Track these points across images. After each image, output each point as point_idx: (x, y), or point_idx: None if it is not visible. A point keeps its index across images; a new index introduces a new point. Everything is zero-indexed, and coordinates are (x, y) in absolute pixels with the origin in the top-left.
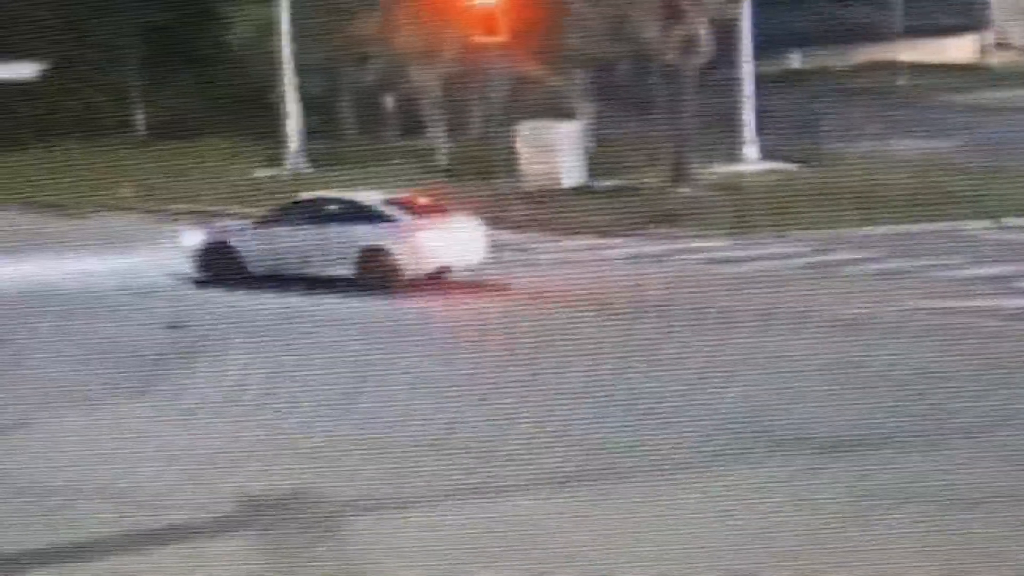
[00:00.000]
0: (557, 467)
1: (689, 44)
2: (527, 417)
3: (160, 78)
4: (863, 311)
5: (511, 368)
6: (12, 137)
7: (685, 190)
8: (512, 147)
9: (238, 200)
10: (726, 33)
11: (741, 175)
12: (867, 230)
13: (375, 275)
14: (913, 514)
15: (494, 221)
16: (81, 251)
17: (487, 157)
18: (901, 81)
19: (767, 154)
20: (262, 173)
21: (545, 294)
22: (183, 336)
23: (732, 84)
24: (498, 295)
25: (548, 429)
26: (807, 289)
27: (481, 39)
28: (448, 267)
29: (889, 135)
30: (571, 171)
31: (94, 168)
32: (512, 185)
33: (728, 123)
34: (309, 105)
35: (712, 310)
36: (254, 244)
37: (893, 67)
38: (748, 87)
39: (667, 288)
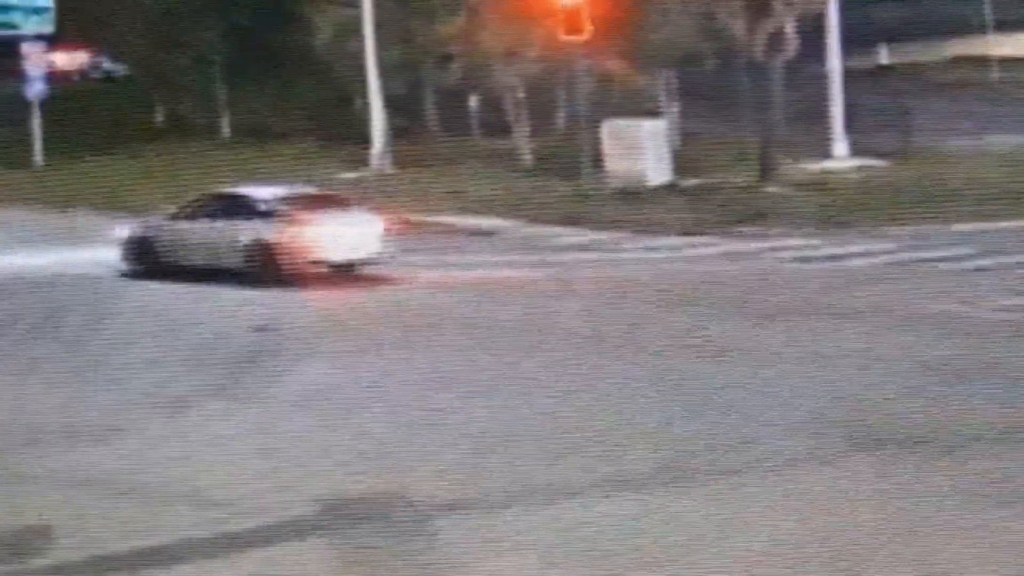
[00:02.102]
0: (642, 467)
1: (776, 40)
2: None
3: (245, 81)
4: (954, 308)
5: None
6: (98, 141)
7: (773, 187)
8: (597, 146)
9: None
10: (813, 28)
11: (830, 172)
12: (959, 227)
13: (261, 266)
14: (1009, 515)
15: (579, 220)
16: None
17: (572, 156)
18: (993, 75)
19: (856, 150)
20: (347, 175)
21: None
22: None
23: (820, 80)
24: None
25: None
26: (896, 286)
27: (565, 38)
28: (335, 259)
29: (981, 130)
30: (657, 169)
31: (179, 172)
32: (597, 184)
33: (816, 120)
34: (393, 106)
35: (802, 308)
36: (165, 237)
37: (984, 61)
38: (836, 83)
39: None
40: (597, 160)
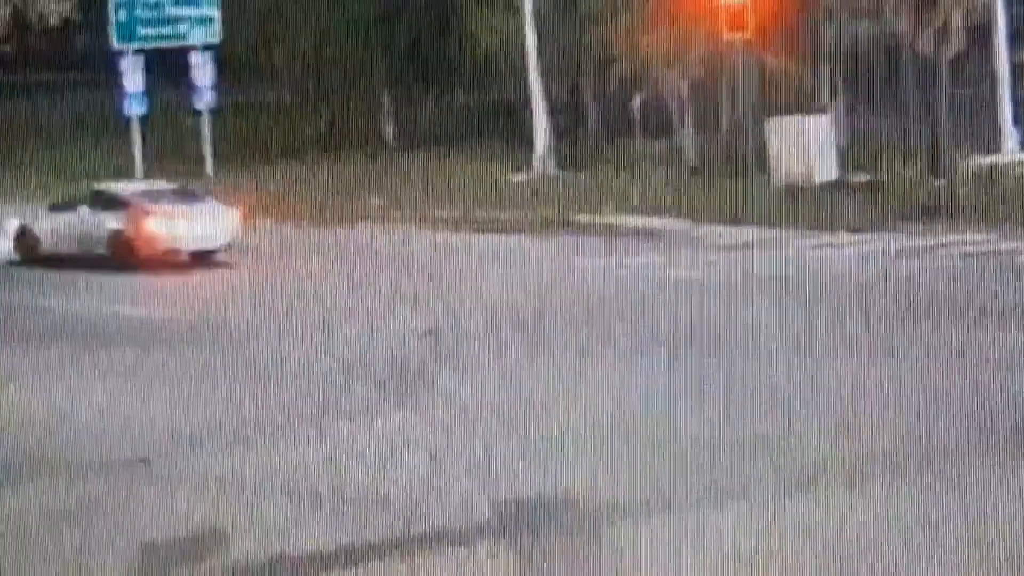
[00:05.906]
0: (829, 468)
1: (943, 34)
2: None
3: (408, 89)
4: None
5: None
6: (264, 150)
7: (942, 182)
8: (763, 144)
9: (488, 205)
10: (981, 23)
11: (1000, 166)
12: None
13: (120, 255)
14: None
15: (746, 219)
16: None
17: (737, 155)
18: None
19: None
20: (511, 178)
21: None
22: None
23: (988, 74)
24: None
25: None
26: None
27: (729, 36)
28: (188, 247)
29: None
30: (824, 166)
31: (346, 178)
32: (764, 182)
33: (985, 114)
34: (556, 109)
35: (972, 304)
36: (45, 227)
37: None
38: (1005, 77)
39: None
40: (763, 158)
